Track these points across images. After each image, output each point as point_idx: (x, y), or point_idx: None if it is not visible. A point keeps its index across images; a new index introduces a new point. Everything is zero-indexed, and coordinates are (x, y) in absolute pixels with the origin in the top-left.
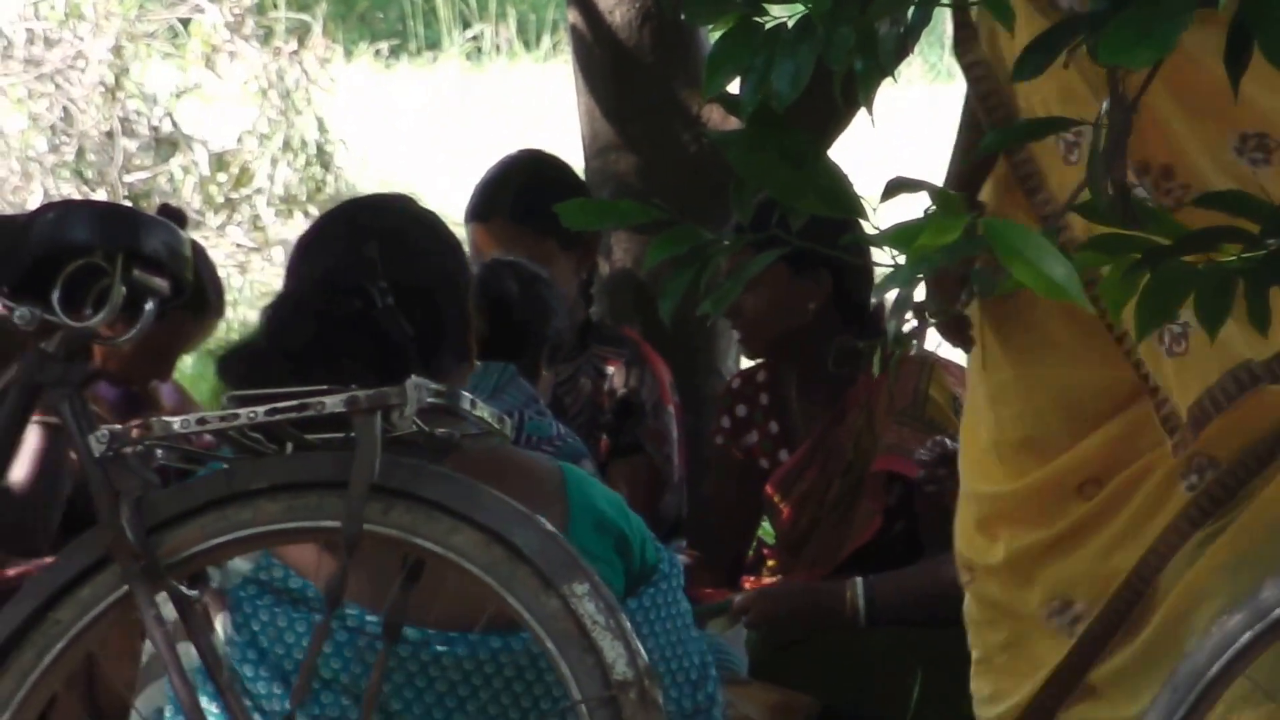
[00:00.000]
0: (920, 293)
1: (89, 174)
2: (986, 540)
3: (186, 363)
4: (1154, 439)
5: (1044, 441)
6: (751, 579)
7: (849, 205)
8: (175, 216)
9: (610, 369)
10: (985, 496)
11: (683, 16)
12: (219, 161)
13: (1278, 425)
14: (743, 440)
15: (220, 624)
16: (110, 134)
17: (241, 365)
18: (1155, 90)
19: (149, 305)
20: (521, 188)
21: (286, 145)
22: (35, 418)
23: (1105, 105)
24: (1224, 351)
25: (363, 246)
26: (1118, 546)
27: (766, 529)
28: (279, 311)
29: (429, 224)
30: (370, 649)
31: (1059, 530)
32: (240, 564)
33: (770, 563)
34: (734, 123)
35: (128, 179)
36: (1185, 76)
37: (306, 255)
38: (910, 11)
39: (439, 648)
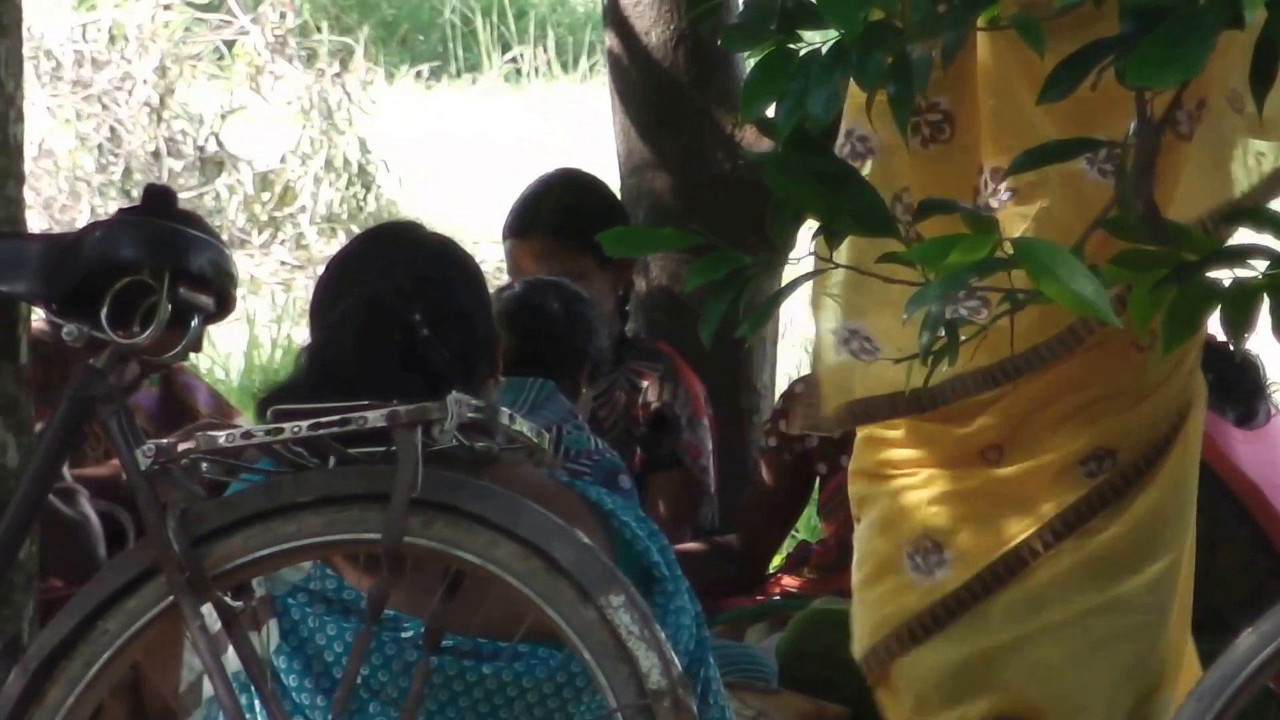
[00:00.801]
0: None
1: (135, 193)
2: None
3: (232, 374)
4: (1050, 415)
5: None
6: (788, 577)
7: (884, 226)
8: (166, 195)
9: (645, 383)
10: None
11: (720, 44)
12: (263, 181)
13: (1175, 422)
14: (797, 444)
15: (267, 631)
16: (156, 154)
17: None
18: (1022, 97)
19: (195, 321)
20: (560, 205)
21: (329, 165)
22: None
23: (1133, 125)
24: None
25: (396, 279)
26: (1005, 511)
27: (814, 527)
28: (322, 352)
29: (449, 249)
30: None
31: (960, 474)
32: (290, 572)
33: (806, 569)
34: (768, 142)
35: None
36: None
37: (339, 291)
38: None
39: (485, 669)
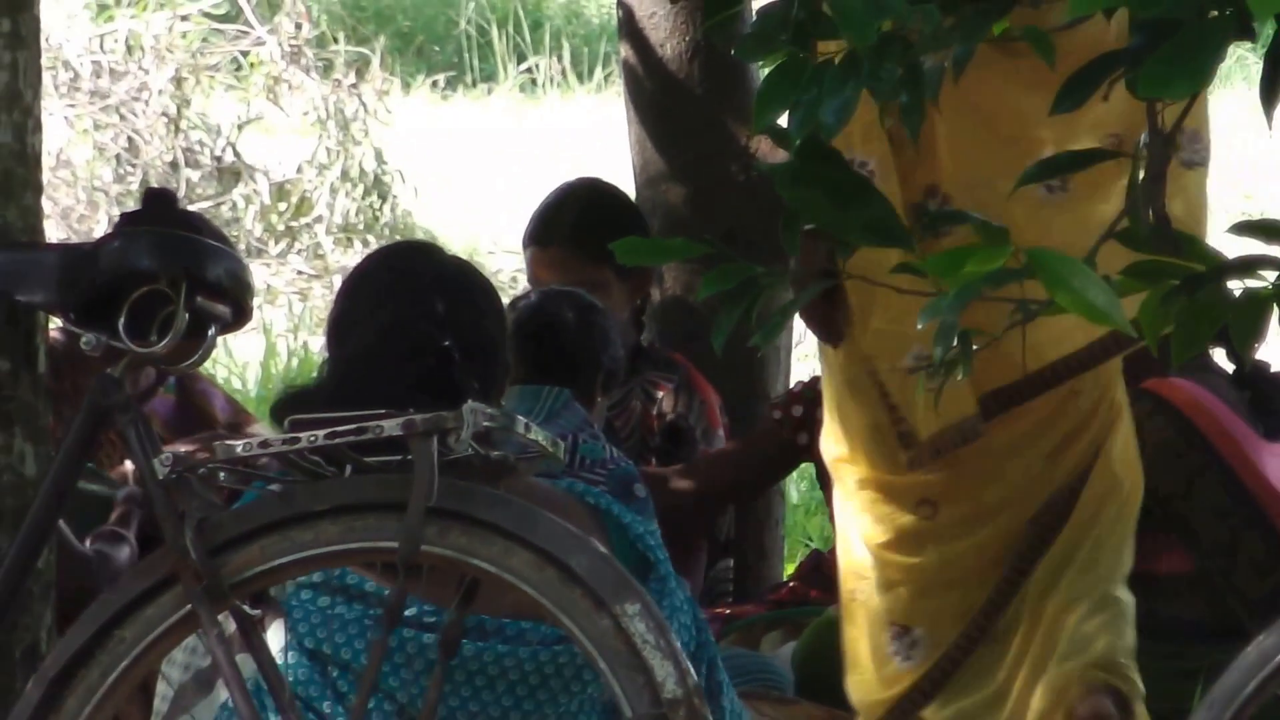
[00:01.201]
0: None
1: None
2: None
3: (249, 383)
4: (989, 473)
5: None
6: (801, 585)
7: (896, 236)
8: (165, 196)
9: (660, 394)
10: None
11: (734, 53)
12: (279, 191)
13: (1095, 449)
14: (802, 434)
15: (275, 631)
16: (174, 164)
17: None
18: (954, 117)
19: (211, 331)
20: (580, 215)
21: (345, 175)
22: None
23: (1144, 137)
24: (961, 400)
25: (428, 305)
26: (958, 582)
27: (827, 537)
28: (350, 367)
29: (471, 273)
30: (429, 648)
31: (904, 534)
32: None
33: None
34: (783, 153)
35: (191, 208)
36: (990, 104)
37: (364, 310)
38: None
39: (500, 647)
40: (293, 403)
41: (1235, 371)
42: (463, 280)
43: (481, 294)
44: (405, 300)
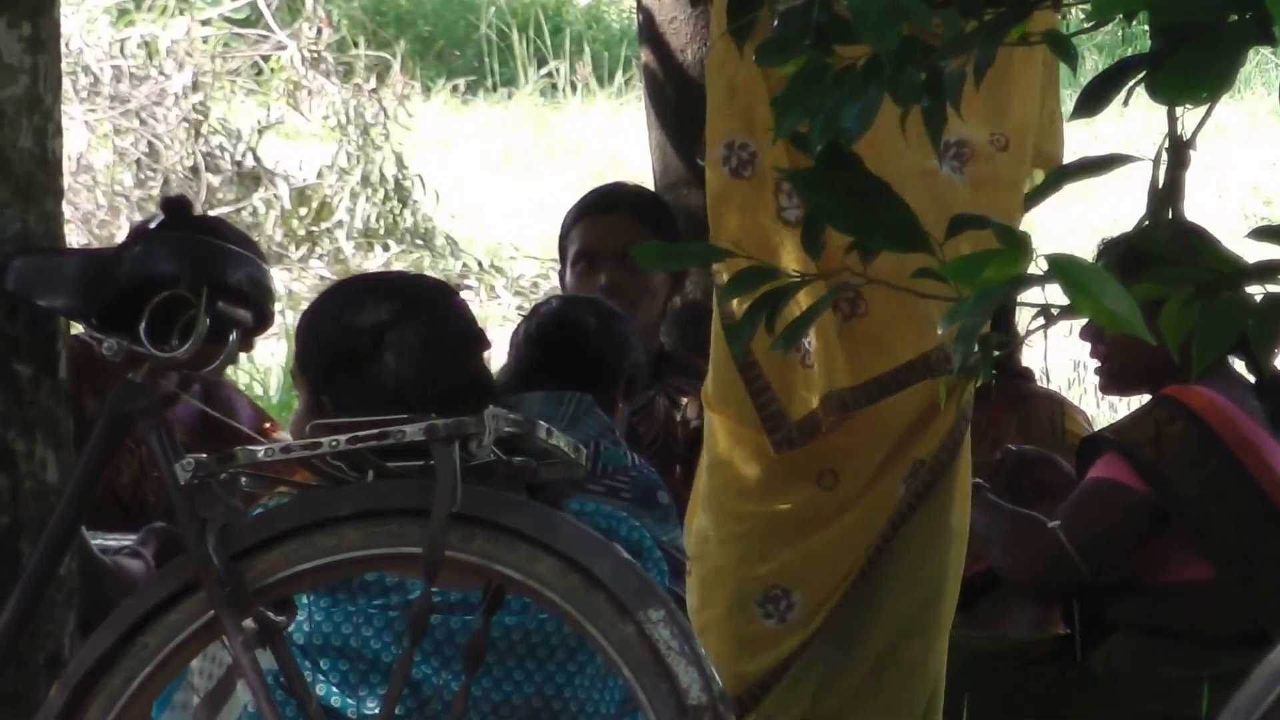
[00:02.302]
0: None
1: None
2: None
3: (271, 389)
4: (888, 440)
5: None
6: None
7: (916, 242)
8: (180, 204)
9: (684, 400)
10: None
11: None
12: (300, 196)
13: (959, 421)
14: None
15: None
16: (194, 169)
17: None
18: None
19: (233, 336)
20: (640, 191)
21: (365, 180)
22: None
23: (1164, 142)
24: (830, 375)
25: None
26: (845, 544)
27: None
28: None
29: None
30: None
31: (798, 510)
32: None
33: None
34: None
35: (212, 213)
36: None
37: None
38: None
39: (507, 620)
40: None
41: (1256, 381)
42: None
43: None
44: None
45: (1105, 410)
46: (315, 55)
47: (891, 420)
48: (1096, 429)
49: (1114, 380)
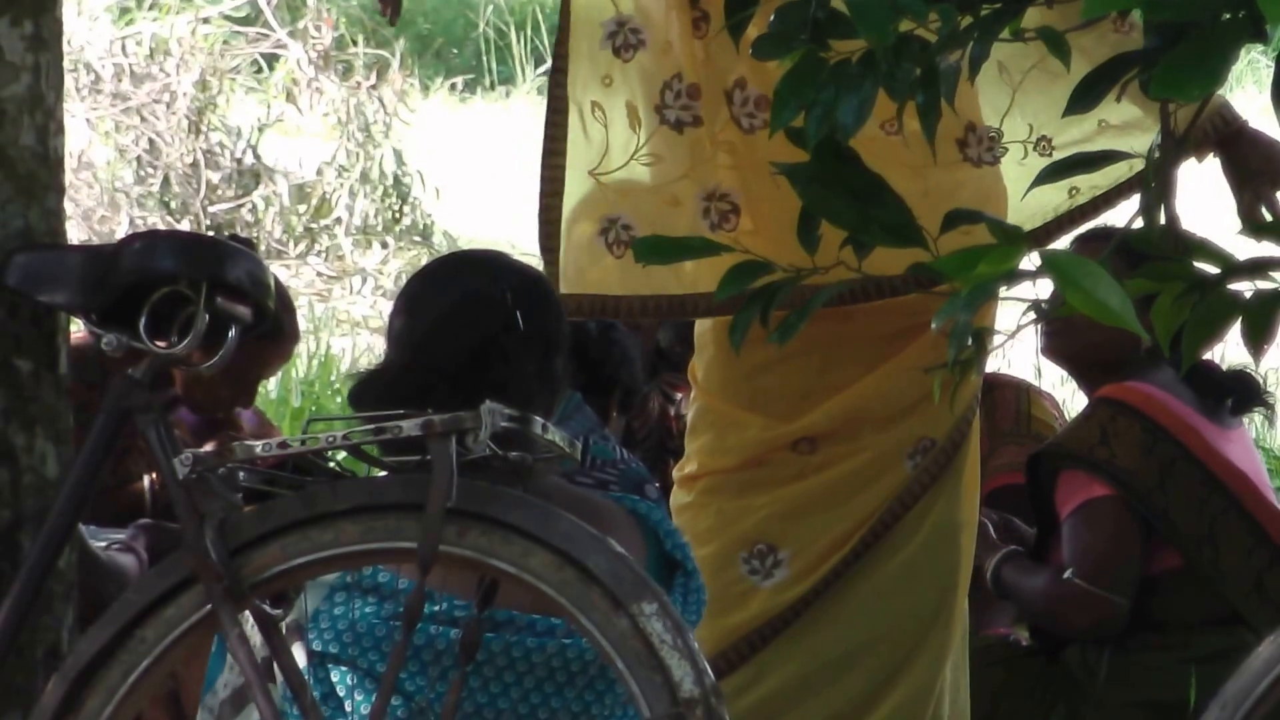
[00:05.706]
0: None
1: (174, 205)
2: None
3: (270, 385)
4: (874, 412)
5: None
6: None
7: (912, 237)
8: (245, 245)
9: (679, 395)
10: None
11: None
12: (299, 193)
13: (972, 403)
14: None
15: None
16: (195, 166)
17: (376, 390)
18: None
19: (232, 333)
20: None
21: (365, 177)
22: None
23: (1156, 137)
24: None
25: (498, 285)
26: (831, 504)
27: None
28: (426, 335)
29: (538, 274)
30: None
31: (775, 470)
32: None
33: None
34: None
35: (211, 210)
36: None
37: (433, 294)
38: (970, 45)
39: (530, 641)
40: (363, 385)
41: (1186, 374)
42: (532, 274)
43: (548, 291)
44: (477, 281)
45: (1079, 400)
46: (317, 54)
47: (872, 401)
48: (1061, 419)
49: (1055, 349)
